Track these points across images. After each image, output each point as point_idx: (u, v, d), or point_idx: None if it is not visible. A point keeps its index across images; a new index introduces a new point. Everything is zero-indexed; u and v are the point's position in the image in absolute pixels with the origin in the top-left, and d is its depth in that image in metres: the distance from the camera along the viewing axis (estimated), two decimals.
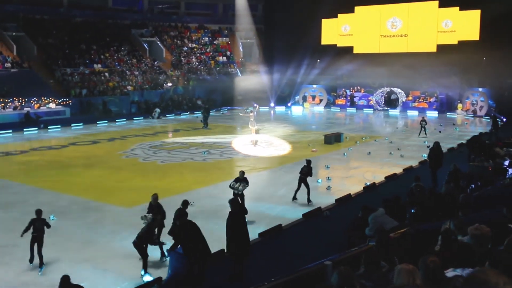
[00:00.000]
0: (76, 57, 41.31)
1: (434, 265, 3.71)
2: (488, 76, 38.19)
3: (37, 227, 10.19)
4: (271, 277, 6.76)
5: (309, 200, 14.49)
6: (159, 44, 48.44)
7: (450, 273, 3.96)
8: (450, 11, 41.54)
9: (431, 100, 42.00)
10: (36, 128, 30.82)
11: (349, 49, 45.76)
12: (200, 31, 52.98)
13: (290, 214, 13.35)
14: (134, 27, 48.54)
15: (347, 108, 44.90)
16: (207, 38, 52.39)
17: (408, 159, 21.09)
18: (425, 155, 19.40)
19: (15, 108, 33.31)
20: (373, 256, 5.35)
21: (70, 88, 38.22)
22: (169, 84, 44.21)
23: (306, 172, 14.58)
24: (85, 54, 42.40)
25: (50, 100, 35.22)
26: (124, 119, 35.93)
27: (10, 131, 29.34)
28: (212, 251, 9.40)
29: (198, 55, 50.20)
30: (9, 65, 36.87)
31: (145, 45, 47.49)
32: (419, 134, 27.47)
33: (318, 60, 45.82)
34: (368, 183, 16.55)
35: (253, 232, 11.00)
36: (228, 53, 51.68)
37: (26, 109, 33.22)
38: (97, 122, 33.85)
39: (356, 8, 45.95)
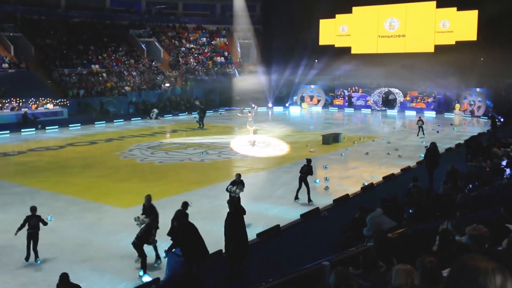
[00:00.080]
0: (73, 57, 41.25)
1: (432, 265, 3.71)
2: (485, 76, 38.23)
3: (32, 224, 10.28)
4: (269, 277, 6.76)
5: (309, 200, 14.50)
6: (157, 44, 48.40)
7: (447, 273, 3.96)
8: (448, 12, 41.62)
9: (428, 100, 42.04)
10: (34, 129, 30.77)
11: (347, 50, 45.81)
12: (198, 31, 52.96)
13: (288, 215, 13.34)
14: (132, 28, 48.48)
15: (345, 109, 44.90)
16: (205, 39, 52.37)
17: (406, 159, 21.10)
18: (423, 155, 19.41)
19: (12, 109, 33.25)
20: (371, 256, 5.35)
21: (68, 89, 38.18)
22: (167, 85, 44.18)
23: (306, 171, 14.59)
24: (82, 54, 42.35)
25: (48, 101, 35.15)
26: (122, 120, 35.89)
27: (8, 131, 29.29)
28: (210, 252, 9.39)
29: (196, 55, 50.18)
30: (6, 65, 36.80)
31: (143, 45, 47.45)
32: (418, 135, 27.48)
33: (316, 60, 45.85)
34: (366, 184, 16.55)
35: (251, 233, 10.99)
36: (226, 53, 51.67)
37: (23, 109, 33.15)
38: (95, 123, 33.80)
39: (354, 9, 46.01)
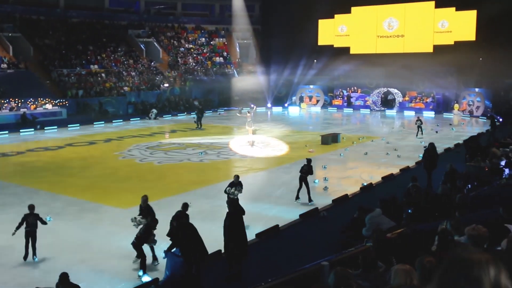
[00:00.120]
0: (72, 57, 41.22)
1: (431, 266, 3.71)
2: (484, 77, 38.26)
3: (30, 222, 10.34)
4: (268, 277, 6.76)
5: (310, 200, 14.51)
6: (156, 44, 48.38)
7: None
8: (447, 12, 41.64)
9: (427, 100, 42.06)
10: (33, 129, 30.73)
11: (346, 50, 45.81)
12: (196, 31, 52.94)
13: (287, 215, 13.34)
14: (130, 28, 48.46)
15: (344, 109, 44.88)
16: (204, 39, 52.35)
17: (405, 159, 21.11)
18: (422, 156, 19.42)
19: (11, 109, 33.22)
20: (370, 256, 5.36)
21: (67, 89, 38.15)
22: (166, 85, 44.16)
23: (306, 170, 14.61)
24: (81, 54, 42.32)
25: (47, 101, 35.12)
26: (121, 120, 35.86)
27: (7, 132, 29.25)
28: (209, 252, 9.40)
29: (195, 55, 50.17)
30: (5, 65, 36.76)
31: (141, 45, 47.43)
32: (417, 135, 27.48)
33: (315, 60, 45.85)
34: (365, 184, 16.56)
35: (250, 233, 10.99)
36: (225, 53, 51.65)
37: (22, 110, 33.12)
38: (94, 123, 33.77)
39: (353, 9, 46.02)
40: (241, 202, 11.31)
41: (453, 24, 41.33)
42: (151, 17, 51.52)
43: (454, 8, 41.10)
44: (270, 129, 31.59)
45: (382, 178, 17.49)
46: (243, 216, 9.90)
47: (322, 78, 46.54)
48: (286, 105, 46.94)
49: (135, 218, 10.53)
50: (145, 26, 49.69)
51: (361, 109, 44.15)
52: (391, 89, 43.22)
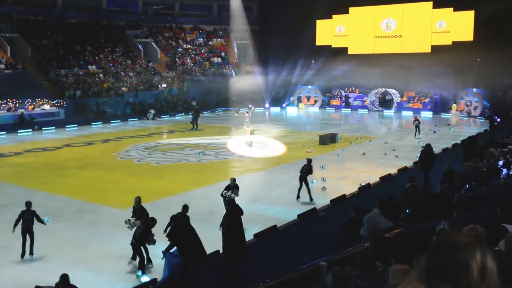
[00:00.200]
0: (70, 58, 41.17)
1: None
2: (482, 77, 38.32)
3: (26, 219, 10.40)
4: (266, 277, 6.76)
5: (311, 199, 14.60)
6: (154, 45, 48.35)
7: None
8: (444, 12, 41.69)
9: (425, 100, 42.14)
10: (30, 130, 30.68)
11: (344, 50, 45.84)
12: (194, 32, 52.92)
13: (285, 215, 13.34)
14: (128, 28, 48.41)
15: (342, 109, 44.93)
16: (201, 39, 52.33)
17: (402, 159, 21.13)
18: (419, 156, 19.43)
19: (9, 110, 33.16)
20: (368, 256, 5.35)
21: (65, 89, 38.11)
22: (164, 85, 44.14)
23: (307, 170, 14.65)
24: (79, 55, 42.27)
25: (44, 102, 35.08)
26: (119, 121, 35.81)
27: (4, 132, 29.19)
28: (208, 252, 9.39)
29: (192, 56, 50.15)
30: (2, 66, 36.69)
31: (139, 46, 47.39)
32: (415, 135, 27.49)
33: (313, 61, 45.83)
34: (363, 184, 16.56)
35: (248, 233, 11.00)
36: (223, 54, 51.65)
37: (20, 110, 33.08)
38: (92, 124, 33.72)
39: (351, 9, 46.04)
40: (239, 203, 11.29)
41: (451, 24, 41.38)
42: (149, 17, 51.47)
43: (452, 9, 41.15)
44: (268, 130, 31.59)
45: (380, 178, 17.51)
46: (241, 216, 9.91)
47: (320, 78, 46.57)
48: (284, 105, 46.95)
49: (128, 220, 10.47)
50: (143, 26, 49.64)
51: (359, 109, 44.19)
52: (389, 90, 43.26)
